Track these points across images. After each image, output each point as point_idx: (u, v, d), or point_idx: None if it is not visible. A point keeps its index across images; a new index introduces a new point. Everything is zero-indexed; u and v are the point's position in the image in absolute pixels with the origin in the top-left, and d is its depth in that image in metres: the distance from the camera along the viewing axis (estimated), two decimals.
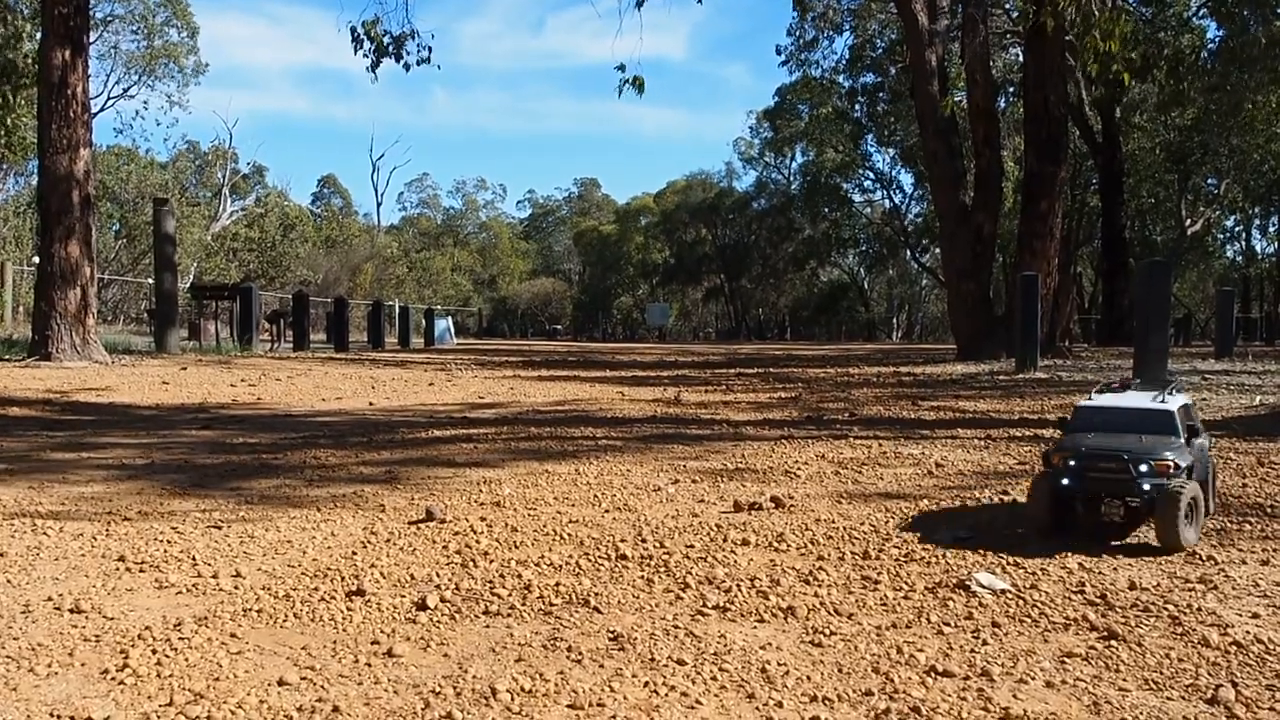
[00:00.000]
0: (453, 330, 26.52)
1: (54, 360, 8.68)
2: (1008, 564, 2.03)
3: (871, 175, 47.21)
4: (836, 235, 49.53)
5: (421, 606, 1.75)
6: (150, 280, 18.31)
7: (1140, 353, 7.90)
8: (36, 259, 11.16)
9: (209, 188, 49.23)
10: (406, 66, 10.75)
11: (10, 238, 35.02)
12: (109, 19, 34.73)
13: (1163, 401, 2.23)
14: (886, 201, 48.69)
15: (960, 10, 13.38)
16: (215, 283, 26.02)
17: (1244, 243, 45.53)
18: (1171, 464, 2.03)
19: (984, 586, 1.84)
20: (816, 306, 56.78)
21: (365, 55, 10.41)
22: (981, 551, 2.15)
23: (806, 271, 54.13)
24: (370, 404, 6.21)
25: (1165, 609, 1.72)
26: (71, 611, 1.71)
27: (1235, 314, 17.22)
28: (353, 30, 10.40)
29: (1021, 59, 16.93)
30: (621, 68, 10.36)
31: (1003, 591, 1.82)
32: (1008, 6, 20.42)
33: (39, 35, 10.61)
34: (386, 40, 10.56)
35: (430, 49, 11.10)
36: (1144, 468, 2.03)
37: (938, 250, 27.78)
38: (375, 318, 20.92)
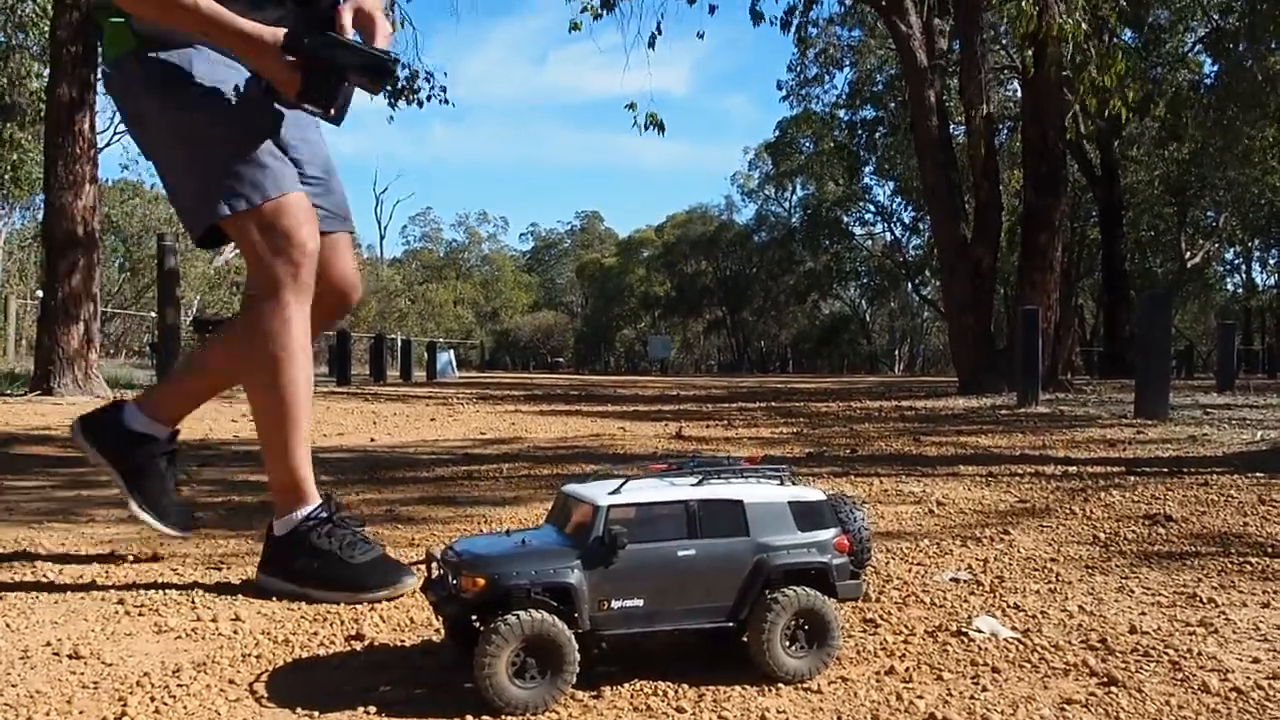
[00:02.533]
0: (455, 363, 26.56)
1: (56, 395, 8.70)
2: (1008, 607, 2.03)
3: (872, 208, 47.40)
4: (837, 268, 49.69)
5: (423, 651, 1.75)
6: (154, 314, 18.36)
7: (1142, 385, 7.92)
8: (40, 293, 11.21)
9: None
10: (421, 104, 10.96)
11: (14, 271, 35.18)
12: None
13: None
14: (887, 234, 48.84)
15: (959, 47, 13.52)
16: (218, 316, 26.09)
17: (1244, 275, 45.62)
18: None
19: (984, 631, 1.84)
20: (818, 339, 56.85)
21: (383, 97, 10.61)
22: (982, 594, 2.15)
23: (808, 304, 54.23)
24: (371, 439, 6.21)
25: (1165, 654, 1.71)
26: (70, 657, 1.71)
27: (1237, 347, 17.26)
28: None
29: (1019, 93, 17.06)
30: (632, 106, 10.51)
31: (1003, 636, 1.82)
32: (1005, 42, 20.61)
33: (46, 73, 10.72)
34: (401, 82, 10.77)
35: (445, 88, 11.34)
36: None
37: (938, 283, 27.83)
38: (377, 351, 20.96)
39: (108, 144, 37.04)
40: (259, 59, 2.05)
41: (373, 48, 2.09)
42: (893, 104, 32.62)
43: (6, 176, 19.67)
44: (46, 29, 13.65)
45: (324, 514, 2.18)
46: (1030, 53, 10.22)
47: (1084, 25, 9.61)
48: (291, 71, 2.03)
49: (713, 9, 12.65)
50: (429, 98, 11.59)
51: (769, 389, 17.17)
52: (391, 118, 13.01)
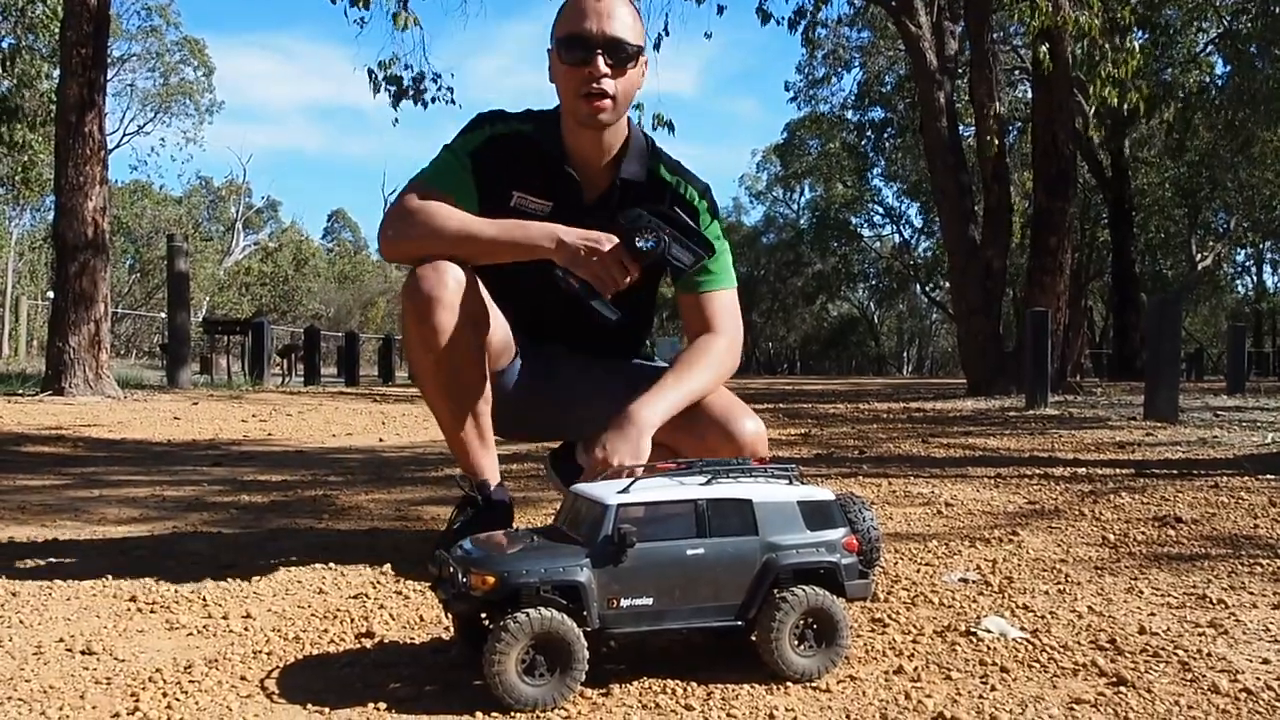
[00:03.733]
0: None
1: (67, 395, 8.74)
2: (1017, 607, 2.03)
3: (880, 209, 47.31)
4: (846, 270, 49.57)
5: (433, 649, 1.75)
6: (163, 314, 18.43)
7: (1151, 388, 7.90)
8: (51, 294, 11.28)
9: (222, 222, 49.68)
10: (425, 105, 10.93)
11: (25, 272, 35.36)
12: (126, 58, 35.21)
13: None
14: (896, 236, 48.72)
15: (969, 48, 13.50)
16: (227, 317, 26.18)
17: (1255, 278, 45.41)
18: None
19: (993, 631, 1.84)
20: (826, 341, 56.73)
21: (385, 94, 10.57)
22: (990, 594, 2.15)
23: (816, 306, 54.09)
24: (380, 440, 6.23)
25: (1175, 654, 1.71)
26: (83, 653, 1.72)
27: (1247, 349, 17.20)
28: (369, 72, 10.54)
29: (1030, 95, 17.04)
30: (639, 107, 10.53)
31: (1012, 636, 1.82)
32: (1016, 43, 20.58)
33: (56, 74, 10.77)
34: (406, 83, 10.72)
35: (451, 89, 11.28)
36: None
37: (947, 285, 27.81)
38: (386, 352, 20.99)
39: (117, 145, 37.21)
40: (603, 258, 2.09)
41: (699, 228, 2.14)
42: (901, 105, 32.57)
43: (17, 178, 19.79)
44: (56, 30, 13.71)
45: (476, 496, 2.33)
46: (1045, 47, 10.21)
47: (1097, 20, 9.61)
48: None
49: (721, 9, 12.65)
50: (434, 99, 11.59)
51: (777, 390, 17.16)
52: (396, 121, 13.12)
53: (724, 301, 2.37)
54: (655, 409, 2.10)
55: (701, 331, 2.35)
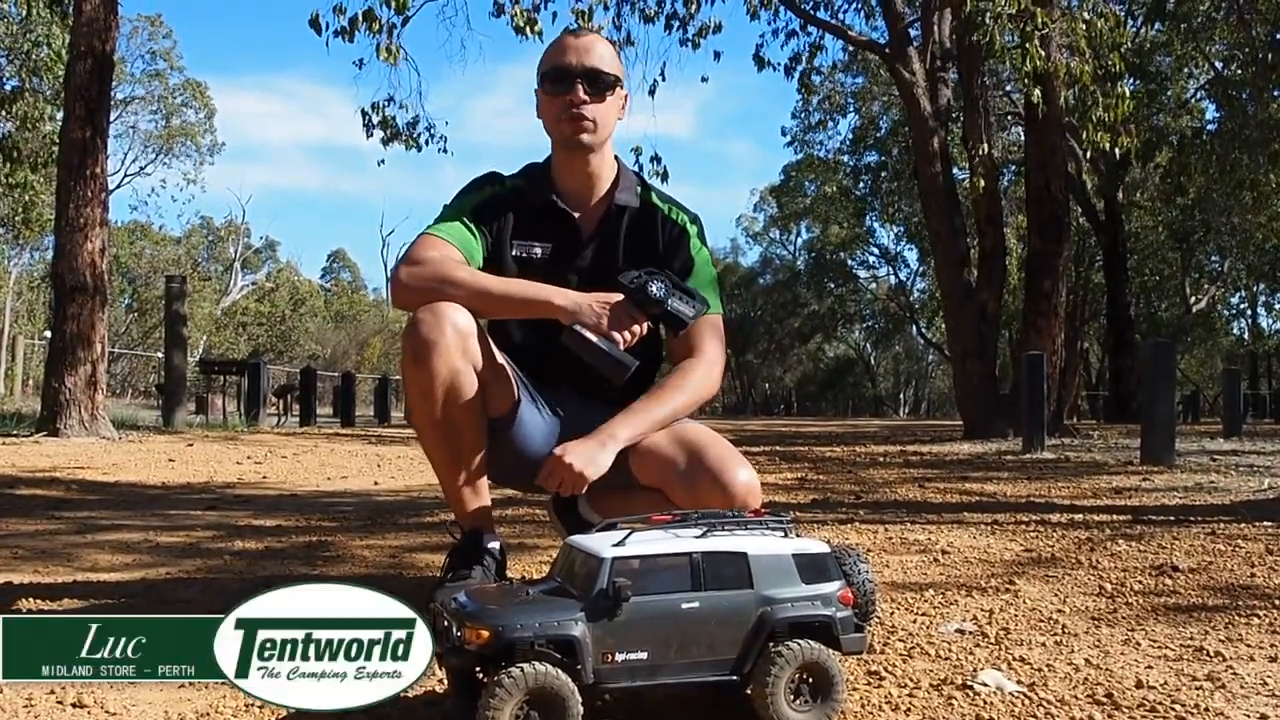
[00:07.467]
0: None
1: (62, 436, 8.72)
2: (1013, 660, 2.02)
3: (877, 251, 47.47)
4: (842, 310, 49.64)
5: (427, 702, 1.74)
6: (160, 354, 18.44)
7: (1147, 432, 7.91)
8: (48, 333, 11.28)
9: (220, 262, 49.79)
10: (419, 149, 10.98)
11: (23, 311, 35.37)
12: (129, 100, 35.48)
13: None
14: (892, 277, 48.85)
15: (962, 94, 13.65)
16: (223, 358, 26.17)
17: (1250, 320, 45.55)
18: None
19: (990, 685, 1.83)
20: (823, 382, 56.68)
21: (378, 137, 10.62)
22: (987, 646, 2.14)
23: (813, 346, 54.12)
24: (375, 483, 6.21)
25: (1172, 709, 1.70)
26: (75, 706, 1.71)
27: (1243, 392, 17.21)
28: (363, 113, 10.61)
29: (1022, 138, 17.19)
30: (637, 150, 10.67)
31: (1008, 690, 1.81)
32: (1009, 88, 20.80)
33: (59, 116, 10.86)
34: (401, 126, 10.78)
35: (445, 138, 11.35)
36: None
37: (943, 326, 27.87)
38: (382, 392, 20.97)
39: (118, 185, 37.40)
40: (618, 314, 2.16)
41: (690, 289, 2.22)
42: (895, 150, 32.84)
43: (17, 218, 19.86)
44: (61, 72, 13.85)
45: (467, 544, 2.31)
46: (1038, 92, 10.33)
47: (1088, 67, 9.73)
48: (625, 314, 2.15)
49: (718, 55, 12.82)
50: (428, 142, 11.68)
51: (774, 432, 17.13)
52: (381, 162, 13.34)
53: (707, 326, 2.41)
54: (624, 426, 2.21)
55: (684, 355, 2.40)
